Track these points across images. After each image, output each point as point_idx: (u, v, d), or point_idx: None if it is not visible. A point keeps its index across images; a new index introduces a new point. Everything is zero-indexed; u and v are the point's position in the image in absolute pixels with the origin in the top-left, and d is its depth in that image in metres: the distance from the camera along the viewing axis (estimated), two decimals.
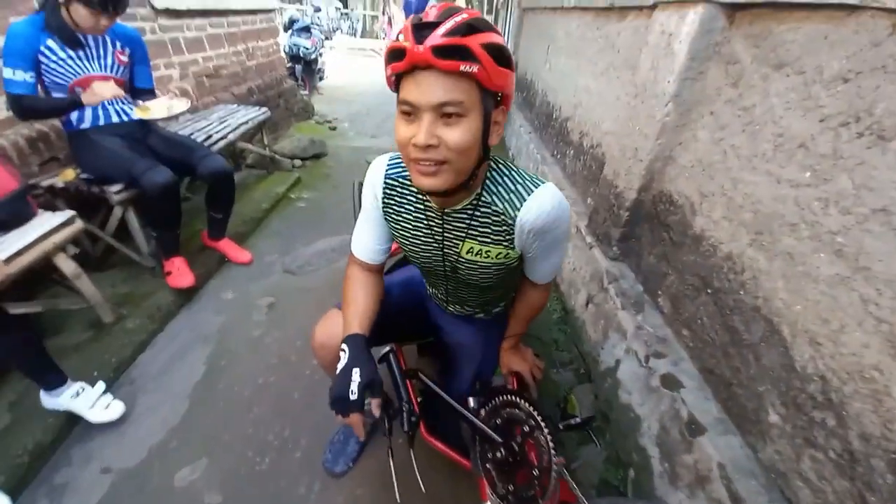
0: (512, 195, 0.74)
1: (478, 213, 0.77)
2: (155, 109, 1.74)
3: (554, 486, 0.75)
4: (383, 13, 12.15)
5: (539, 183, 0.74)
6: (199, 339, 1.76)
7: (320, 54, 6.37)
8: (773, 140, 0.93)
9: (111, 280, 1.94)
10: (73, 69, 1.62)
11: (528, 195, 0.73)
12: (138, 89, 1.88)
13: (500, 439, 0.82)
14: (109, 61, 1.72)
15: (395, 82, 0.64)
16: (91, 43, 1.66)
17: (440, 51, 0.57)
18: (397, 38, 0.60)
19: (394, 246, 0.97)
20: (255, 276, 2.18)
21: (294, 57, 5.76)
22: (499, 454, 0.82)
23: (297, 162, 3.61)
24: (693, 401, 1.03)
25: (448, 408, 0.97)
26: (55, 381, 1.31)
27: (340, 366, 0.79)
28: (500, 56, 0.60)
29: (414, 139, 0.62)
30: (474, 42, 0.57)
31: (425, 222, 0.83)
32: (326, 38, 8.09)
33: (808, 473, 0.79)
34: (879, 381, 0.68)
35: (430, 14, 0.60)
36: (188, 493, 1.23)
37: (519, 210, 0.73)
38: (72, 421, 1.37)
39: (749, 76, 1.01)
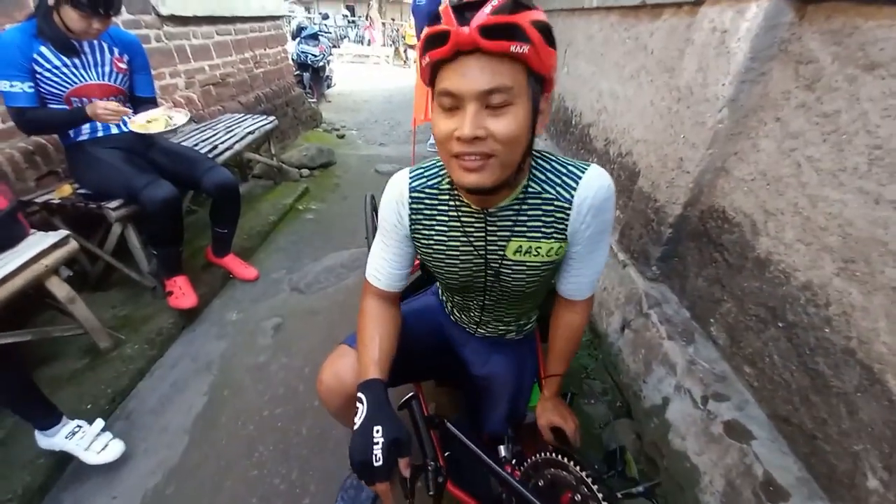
0: (564, 177, 0.69)
1: (525, 206, 0.70)
2: (152, 124, 1.62)
3: None
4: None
5: (587, 163, 0.71)
6: (201, 367, 1.64)
7: (328, 62, 6.32)
8: (866, 152, 0.79)
9: (110, 301, 1.84)
10: (69, 78, 1.52)
11: (583, 173, 0.69)
12: (139, 98, 1.78)
13: None
14: (107, 69, 1.62)
15: (432, 73, 0.58)
16: (87, 50, 1.56)
17: (488, 30, 0.51)
18: (435, 22, 0.54)
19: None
20: (261, 294, 2.06)
21: (302, 65, 5.71)
22: None
23: (305, 172, 3.51)
24: (768, 455, 0.88)
25: (478, 459, 0.84)
26: (49, 420, 1.20)
27: (358, 421, 0.67)
28: (549, 35, 0.55)
29: (458, 131, 0.56)
30: (525, 19, 0.51)
31: (461, 230, 0.74)
32: (334, 46, 8.06)
33: None
34: None
35: None
36: None
37: (576, 189, 0.68)
38: (63, 462, 1.26)
39: (830, 78, 0.87)
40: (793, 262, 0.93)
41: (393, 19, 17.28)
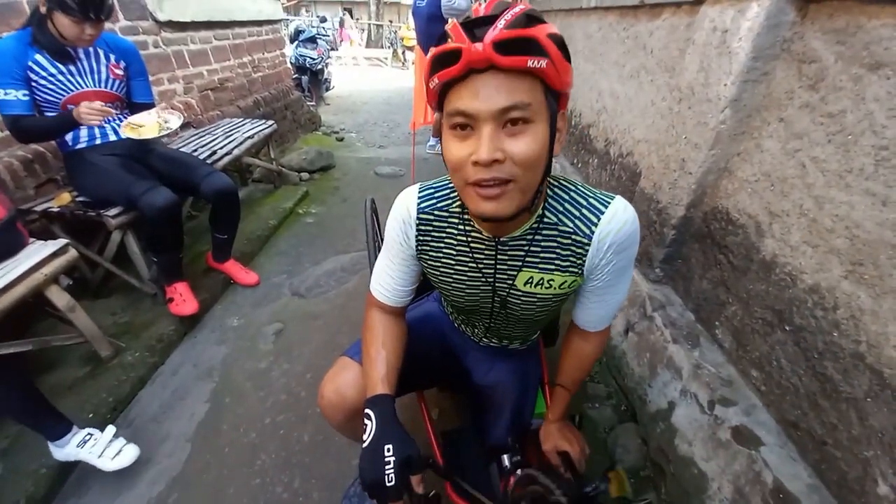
0: (585, 210, 0.64)
1: (538, 237, 0.66)
2: (145, 129, 1.60)
3: None
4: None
5: (611, 195, 0.65)
6: (202, 373, 1.63)
7: (326, 65, 6.32)
8: (873, 153, 0.77)
9: (110, 308, 1.83)
10: (65, 85, 1.52)
11: (606, 207, 0.63)
12: (137, 104, 1.77)
13: None
14: (104, 75, 1.61)
15: (440, 95, 0.55)
16: (83, 57, 1.55)
17: (504, 45, 0.47)
18: (445, 41, 0.51)
19: None
20: (262, 299, 2.06)
21: (300, 68, 5.71)
22: None
23: (305, 175, 3.50)
24: (777, 462, 0.87)
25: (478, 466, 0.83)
26: (58, 429, 1.19)
27: (367, 439, 0.66)
28: (565, 48, 0.52)
29: (475, 156, 0.52)
30: (541, 32, 0.49)
31: (471, 256, 0.71)
32: (332, 49, 8.06)
33: None
34: None
35: (480, 10, 0.51)
36: None
37: (597, 224, 0.63)
38: (66, 471, 1.25)
39: (834, 78, 0.85)
40: (799, 265, 0.92)
41: (391, 21, 17.28)
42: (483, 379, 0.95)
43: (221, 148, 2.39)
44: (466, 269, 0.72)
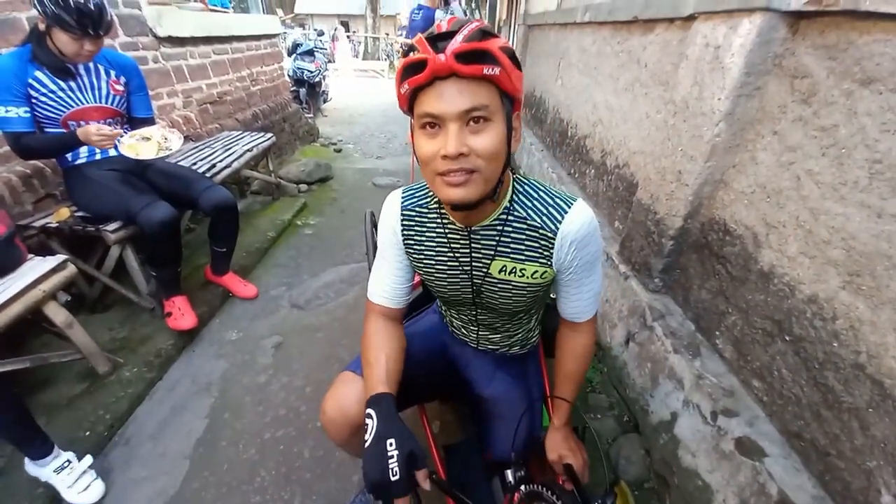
0: (551, 209, 0.72)
1: (508, 228, 0.73)
2: (144, 150, 1.59)
3: None
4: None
5: (573, 197, 0.74)
6: (201, 388, 1.62)
7: (324, 77, 6.38)
8: (867, 166, 0.79)
9: (108, 322, 1.82)
10: (65, 102, 1.53)
11: (569, 207, 0.71)
12: (137, 119, 1.78)
13: None
14: (104, 91, 1.62)
15: (410, 99, 0.62)
16: (83, 73, 1.57)
17: (463, 56, 0.56)
18: (409, 53, 0.59)
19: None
20: (261, 312, 2.05)
21: (298, 80, 5.76)
22: None
23: (303, 187, 3.52)
24: (781, 474, 0.86)
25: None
26: (42, 449, 1.17)
27: (369, 437, 0.66)
28: (515, 58, 0.61)
29: (443, 150, 0.59)
30: (493, 45, 0.57)
31: (448, 245, 0.78)
32: (329, 61, 8.15)
33: None
34: None
35: (442, 26, 0.59)
36: None
37: (561, 222, 0.71)
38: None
39: (826, 92, 0.87)
40: (797, 275, 0.93)
41: (387, 34, 17.51)
42: (484, 390, 0.95)
43: (221, 161, 2.40)
44: (445, 258, 0.79)
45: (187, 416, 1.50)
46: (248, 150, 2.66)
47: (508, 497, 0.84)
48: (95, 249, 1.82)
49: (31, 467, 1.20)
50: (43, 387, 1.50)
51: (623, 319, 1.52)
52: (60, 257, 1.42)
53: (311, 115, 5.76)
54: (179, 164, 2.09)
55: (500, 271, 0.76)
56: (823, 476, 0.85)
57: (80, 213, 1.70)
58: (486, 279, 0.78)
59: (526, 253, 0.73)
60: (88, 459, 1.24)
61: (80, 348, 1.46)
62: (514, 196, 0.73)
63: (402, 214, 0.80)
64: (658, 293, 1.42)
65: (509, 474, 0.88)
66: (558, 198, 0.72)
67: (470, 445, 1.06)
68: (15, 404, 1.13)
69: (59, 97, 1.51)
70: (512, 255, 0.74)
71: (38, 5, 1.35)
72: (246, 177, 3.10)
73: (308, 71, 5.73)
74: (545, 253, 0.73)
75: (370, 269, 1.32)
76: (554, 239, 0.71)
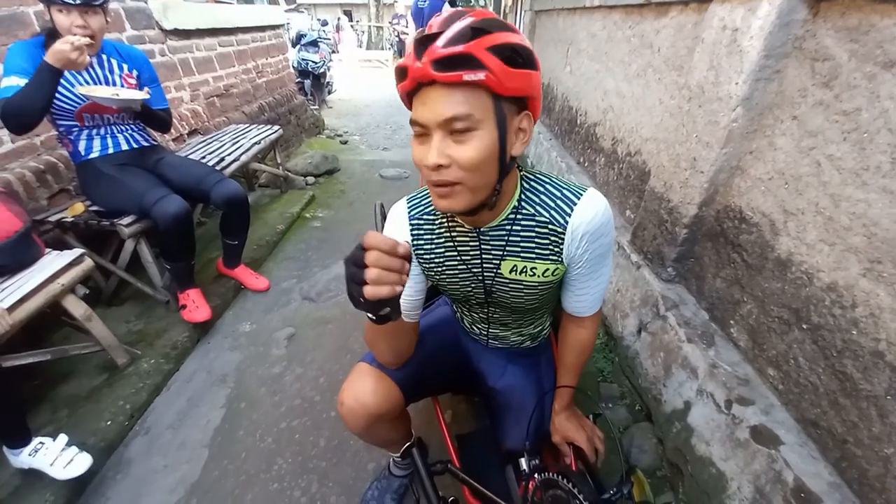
0: (559, 202, 0.69)
1: (517, 227, 0.71)
2: (99, 91, 1.53)
3: None
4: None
5: (584, 187, 0.70)
6: (217, 380, 1.65)
7: (328, 68, 6.34)
8: (889, 151, 0.77)
9: (124, 316, 1.85)
10: (79, 94, 1.53)
11: (578, 199, 0.68)
12: (152, 111, 1.79)
13: None
14: (117, 84, 1.63)
15: (409, 101, 0.61)
16: (96, 66, 1.57)
17: (439, 63, 0.52)
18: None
19: None
20: (273, 304, 2.07)
21: (303, 72, 5.72)
22: None
23: (311, 179, 3.52)
24: (798, 462, 0.86)
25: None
26: (23, 439, 1.19)
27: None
28: (514, 56, 0.54)
29: (423, 160, 0.58)
30: (478, 47, 0.52)
31: (455, 249, 0.77)
32: (333, 52, 8.09)
33: None
34: None
35: (434, 24, 0.55)
36: None
37: (571, 215, 0.68)
38: (82, 483, 1.25)
39: (848, 76, 0.85)
40: (816, 263, 0.91)
41: (391, 22, 17.29)
42: (497, 382, 0.96)
43: (229, 154, 2.41)
44: (455, 262, 0.78)
45: (204, 407, 1.54)
46: (255, 143, 2.66)
47: (523, 485, 0.85)
48: (110, 244, 1.85)
49: (13, 460, 1.20)
50: (63, 380, 1.53)
51: (635, 309, 1.52)
52: (77, 251, 1.44)
53: (317, 107, 5.74)
54: (189, 157, 2.11)
55: (510, 271, 0.74)
56: (840, 463, 0.85)
57: (94, 208, 1.73)
58: (497, 279, 0.76)
59: (536, 251, 0.72)
60: (63, 437, 1.23)
61: (99, 341, 1.49)
62: (522, 194, 0.71)
63: (411, 224, 0.79)
64: (671, 282, 1.41)
65: (523, 462, 0.89)
66: (567, 189, 0.70)
67: (483, 434, 1.07)
68: (11, 393, 1.15)
69: (73, 91, 1.52)
70: (522, 255, 0.72)
71: None
72: (254, 170, 3.11)
73: (312, 62, 5.70)
74: (556, 249, 0.71)
75: None
76: (564, 233, 0.69)
